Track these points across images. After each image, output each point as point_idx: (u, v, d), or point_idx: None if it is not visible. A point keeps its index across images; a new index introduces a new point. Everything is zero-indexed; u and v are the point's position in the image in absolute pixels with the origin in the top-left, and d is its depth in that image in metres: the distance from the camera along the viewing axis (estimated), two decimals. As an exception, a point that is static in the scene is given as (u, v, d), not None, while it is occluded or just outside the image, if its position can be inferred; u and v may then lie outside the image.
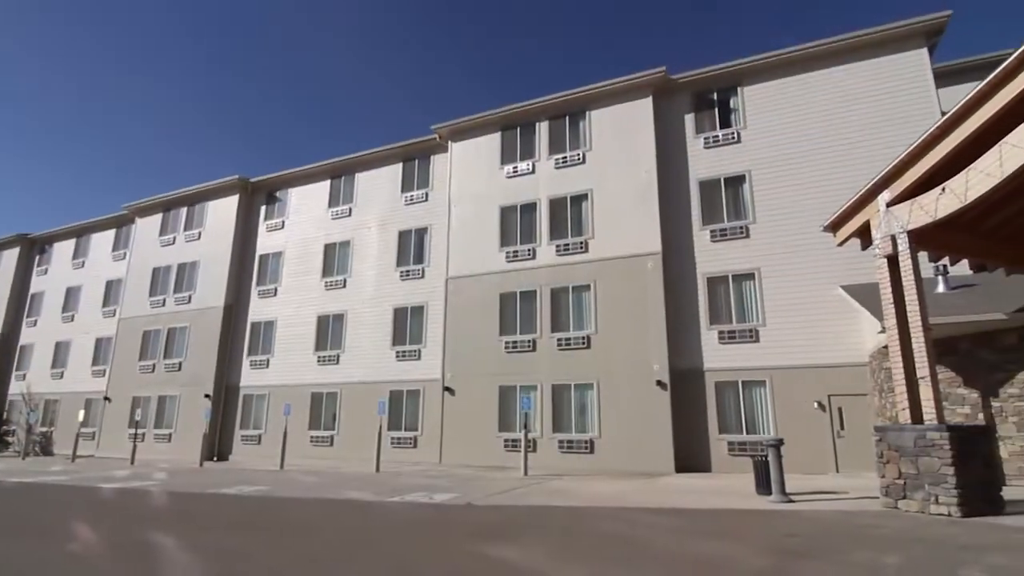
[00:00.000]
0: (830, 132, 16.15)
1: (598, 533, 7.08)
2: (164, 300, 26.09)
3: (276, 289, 23.97)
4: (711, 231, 17.00)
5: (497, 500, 10.05)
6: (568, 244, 18.35)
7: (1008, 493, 8.64)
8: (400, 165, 22.74)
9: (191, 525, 7.98)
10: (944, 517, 7.60)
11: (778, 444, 9.70)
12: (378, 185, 23.01)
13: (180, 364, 24.64)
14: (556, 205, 18.91)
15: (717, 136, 17.59)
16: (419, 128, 69.17)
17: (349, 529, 7.56)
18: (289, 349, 22.77)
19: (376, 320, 21.27)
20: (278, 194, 25.50)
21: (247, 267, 25.11)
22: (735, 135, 17.37)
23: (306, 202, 24.57)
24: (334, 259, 23.03)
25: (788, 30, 56.13)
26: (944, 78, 16.29)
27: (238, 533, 7.28)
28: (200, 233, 26.20)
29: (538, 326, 18.06)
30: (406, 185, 22.43)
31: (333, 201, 23.88)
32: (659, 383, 16.05)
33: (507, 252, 19.19)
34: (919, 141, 8.37)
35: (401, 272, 21.39)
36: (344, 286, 22.43)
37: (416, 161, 22.51)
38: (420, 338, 20.29)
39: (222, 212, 25.88)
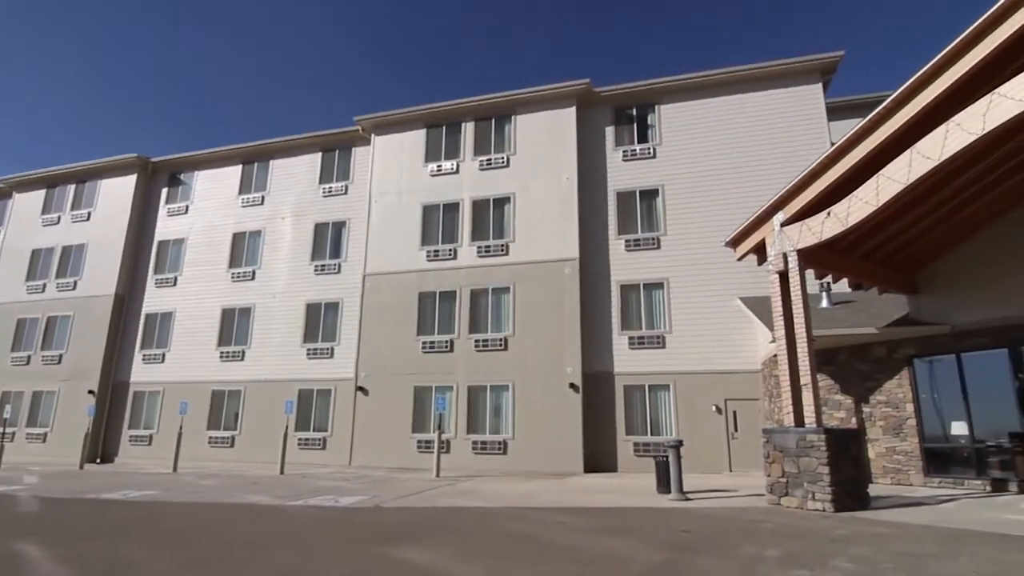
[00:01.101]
0: (735, 153, 17.30)
1: (504, 533, 7.17)
2: (44, 285, 23.65)
3: (176, 278, 22.39)
4: (626, 241, 17.70)
5: (407, 502, 9.94)
6: (489, 246, 18.46)
7: (873, 490, 9.64)
8: (319, 155, 21.95)
9: (66, 534, 7.28)
10: (819, 512, 8.34)
11: (678, 445, 10.25)
12: (295, 174, 22.08)
13: (60, 357, 22.41)
14: (479, 206, 18.98)
15: (635, 150, 18.36)
16: (339, 119, 67.10)
17: (244, 535, 7.19)
18: (188, 343, 21.32)
19: (287, 315, 20.38)
20: (182, 176, 23.84)
21: (144, 253, 23.27)
22: (651, 150, 18.20)
23: (214, 187, 23.14)
24: (243, 249, 21.84)
25: (704, 54, 59.58)
26: (836, 112, 17.87)
27: (120, 541, 6.74)
28: (90, 214, 23.98)
29: (456, 327, 18.03)
30: (325, 176, 21.68)
31: (244, 188, 22.66)
32: (572, 386, 16.49)
33: (428, 251, 19.02)
34: (809, 169, 9.17)
35: (316, 266, 20.64)
36: (253, 278, 21.32)
37: (336, 152, 21.82)
38: (334, 336, 19.67)
39: (117, 192, 23.82)
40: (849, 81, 53.09)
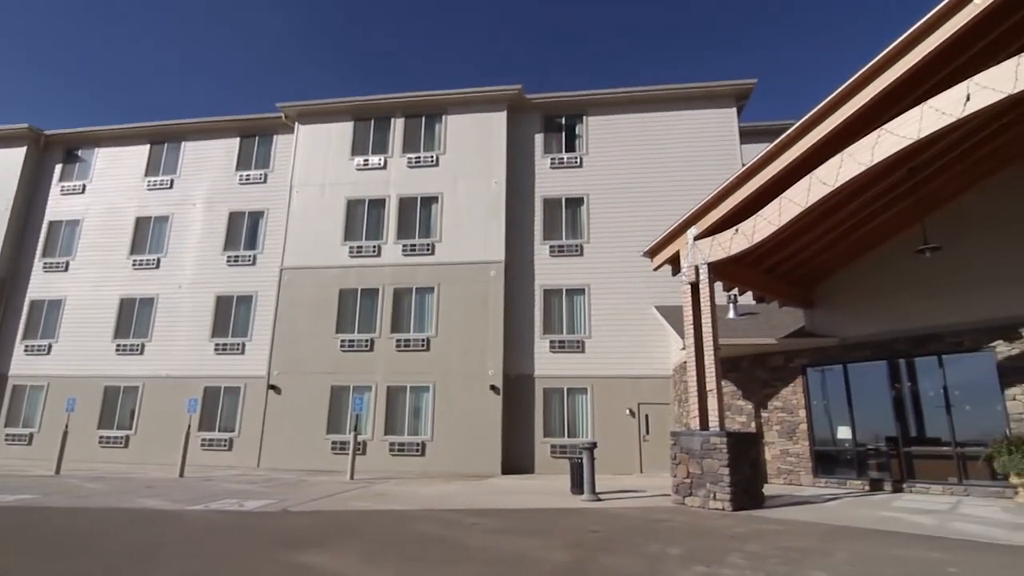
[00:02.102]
0: (656, 168, 18.08)
1: (417, 535, 7.10)
2: (-95, 265, 21.00)
3: (68, 263, 20.54)
4: (551, 246, 18.03)
5: (317, 505, 9.61)
6: (415, 245, 18.23)
7: (768, 490, 10.35)
8: (237, 140, 20.85)
9: (-83, 545, 6.48)
10: (719, 511, 8.85)
11: (591, 447, 10.55)
12: (209, 158, 20.85)
13: (-78, 345, 19.96)
14: (406, 204, 18.71)
15: (563, 158, 18.75)
16: (260, 105, 64.02)
17: (134, 543, 6.69)
18: (80, 334, 19.60)
19: (194, 308, 19.18)
20: (80, 153, 21.92)
21: (31, 233, 21.18)
22: (578, 160, 18.67)
23: (117, 166, 21.44)
24: (147, 235, 20.37)
25: (631, 71, 61.80)
26: (749, 136, 19.09)
27: (-15, 552, 6.08)
28: (-34, 187, 21.54)
29: (378, 325, 17.66)
30: (243, 163, 20.62)
31: (152, 169, 21.14)
32: (493, 388, 16.58)
33: (351, 247, 18.52)
34: (721, 187, 9.75)
35: (229, 257, 19.57)
36: (157, 266, 19.92)
37: (256, 138, 20.81)
38: (245, 331, 18.72)
39: (2, 165, 21.54)
40: (761, 108, 56.81)
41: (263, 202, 19.96)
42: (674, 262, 10.80)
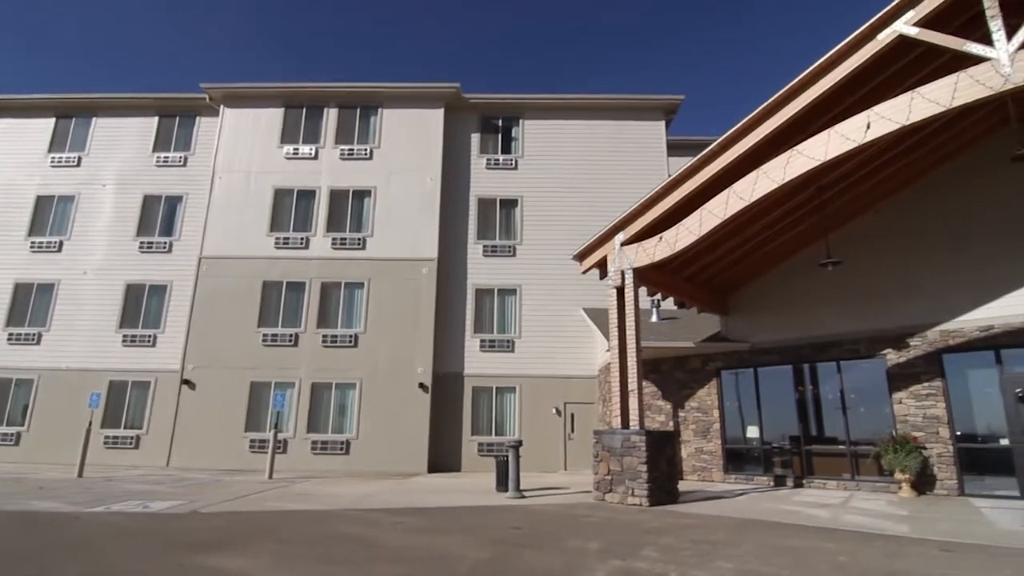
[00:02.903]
0: (588, 174, 18.54)
1: (335, 535, 6.97)
2: None
3: (-47, 243, 18.61)
4: (484, 246, 18.10)
5: (230, 506, 9.21)
6: (346, 239, 17.80)
7: (682, 486, 10.86)
8: (155, 119, 19.60)
9: None
10: (637, 507, 9.20)
11: (517, 446, 10.70)
12: (122, 137, 19.48)
13: None
14: (337, 196, 18.23)
15: (498, 159, 18.87)
16: (181, 83, 60.54)
17: (22, 550, 6.18)
18: (-36, 322, 17.80)
19: (101, 296, 17.86)
20: (-29, 123, 19.91)
21: (-93, 209, 19.04)
22: (513, 162, 18.85)
23: (15, 139, 19.64)
24: (48, 215, 18.78)
25: (574, 78, 62.92)
26: (676, 148, 19.81)
27: None
28: None
29: (303, 320, 17.12)
30: (160, 144, 19.40)
31: (57, 145, 19.52)
32: (422, 386, 16.46)
33: (277, 238, 17.84)
34: (647, 197, 10.16)
35: (142, 243, 18.37)
36: (59, 250, 18.41)
37: (177, 119, 19.64)
38: (158, 322, 17.63)
39: None
40: (688, 123, 59.36)
41: (182, 186, 18.86)
42: (602, 266, 11.14)
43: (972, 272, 10.77)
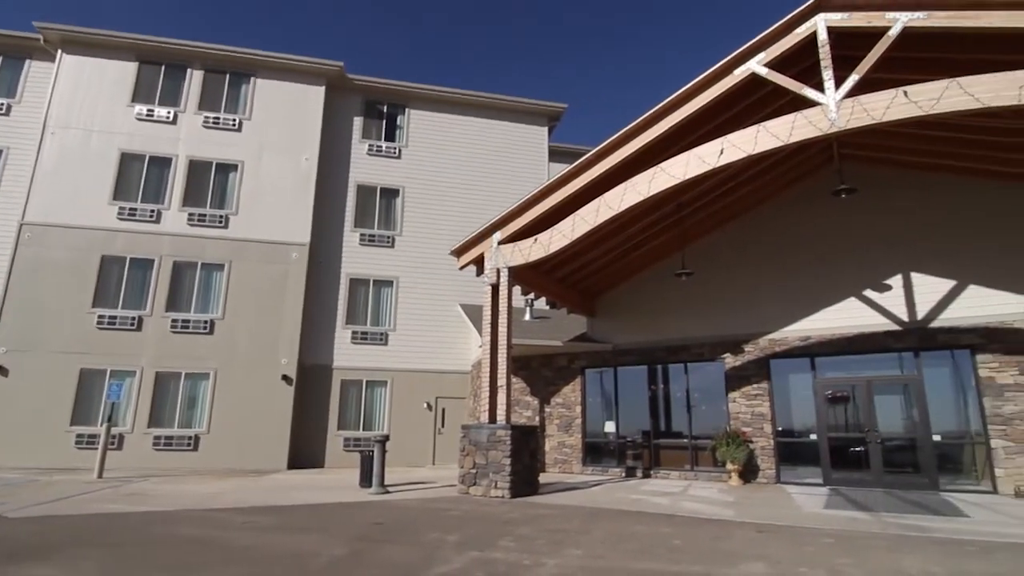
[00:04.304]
0: (471, 170, 18.70)
1: (174, 539, 6.39)
2: None
3: None
4: (361, 234, 17.52)
5: (46, 509, 8.08)
6: (205, 215, 16.30)
7: (544, 478, 11.35)
8: (-30, 58, 16.59)
9: None
10: (499, 499, 9.45)
11: (384, 440, 10.53)
12: (-79, 73, 16.25)
13: None
14: (198, 168, 16.62)
15: (381, 147, 18.36)
16: (10, 18, 51.95)
17: None
18: None
19: None
20: None
21: None
22: (397, 151, 18.45)
23: None
24: None
25: (463, 75, 62.77)
26: (557, 155, 20.64)
27: None
28: None
29: (150, 302, 15.42)
30: (-25, 87, 16.46)
31: None
32: (285, 377, 15.56)
33: (122, 208, 15.88)
34: (525, 198, 10.48)
35: (-58, 202, 15.46)
36: None
37: (0, 59, 16.77)
38: (-40, 296, 14.94)
39: None
40: (570, 132, 61.79)
41: (2, 139, 16.15)
42: (479, 263, 11.28)
43: (796, 289, 12.41)
